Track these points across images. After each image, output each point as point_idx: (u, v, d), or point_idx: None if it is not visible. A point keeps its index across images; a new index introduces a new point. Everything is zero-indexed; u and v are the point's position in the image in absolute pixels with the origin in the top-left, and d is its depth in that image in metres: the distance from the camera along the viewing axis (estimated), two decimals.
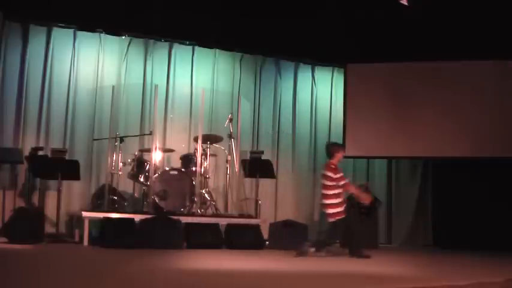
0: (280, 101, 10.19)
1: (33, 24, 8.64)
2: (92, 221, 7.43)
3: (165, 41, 9.43)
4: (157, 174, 7.92)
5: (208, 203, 8.38)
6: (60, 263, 5.57)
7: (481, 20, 8.87)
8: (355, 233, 7.12)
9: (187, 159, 8.42)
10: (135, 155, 8.26)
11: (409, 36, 9.25)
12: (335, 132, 10.31)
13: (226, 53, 9.86)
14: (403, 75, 9.79)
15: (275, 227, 8.15)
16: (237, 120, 8.68)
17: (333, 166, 7.01)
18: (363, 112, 9.79)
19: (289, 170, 10.06)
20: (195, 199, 8.05)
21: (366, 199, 7.53)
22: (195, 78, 9.55)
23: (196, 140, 8.34)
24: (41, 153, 7.98)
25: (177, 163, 8.64)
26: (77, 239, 7.77)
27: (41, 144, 8.35)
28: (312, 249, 6.85)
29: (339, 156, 7.11)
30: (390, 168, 10.56)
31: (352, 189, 7.30)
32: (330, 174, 6.99)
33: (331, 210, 7.00)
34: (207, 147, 8.50)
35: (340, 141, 9.98)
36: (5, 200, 8.04)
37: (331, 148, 7.17)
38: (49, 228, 7.75)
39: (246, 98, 9.62)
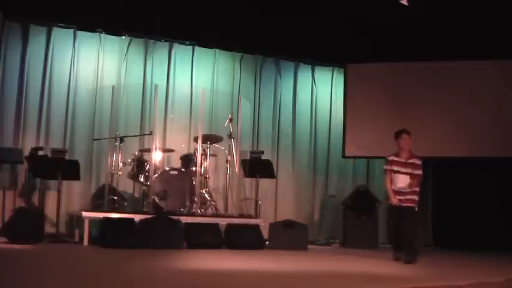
0: (280, 101, 10.18)
1: (33, 24, 8.63)
2: (92, 221, 7.43)
3: (165, 41, 9.43)
4: (157, 174, 7.92)
5: (208, 203, 8.38)
6: (60, 263, 5.57)
7: (481, 20, 8.88)
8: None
9: (187, 159, 8.42)
10: (135, 155, 8.26)
11: (409, 36, 9.26)
12: (335, 132, 10.30)
13: (226, 53, 9.85)
14: (403, 75, 9.79)
15: (275, 227, 8.15)
16: (237, 120, 8.68)
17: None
18: (362, 112, 9.79)
19: (289, 170, 10.05)
20: (195, 199, 8.05)
21: (393, 199, 6.87)
22: (195, 78, 9.55)
23: (196, 140, 8.34)
24: (41, 153, 7.98)
25: (177, 163, 8.64)
26: (77, 239, 7.77)
27: (41, 144, 8.34)
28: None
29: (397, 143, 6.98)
30: None
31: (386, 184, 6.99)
32: None
33: None
34: (207, 147, 8.50)
35: (340, 141, 10.02)
36: (5, 200, 8.04)
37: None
38: (49, 228, 7.75)
39: (246, 98, 9.62)
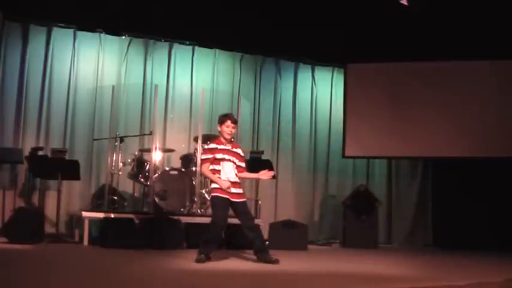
0: (280, 101, 10.19)
1: (33, 24, 8.64)
2: (92, 221, 7.44)
3: (165, 41, 9.43)
4: (157, 174, 7.92)
5: (208, 203, 8.38)
6: (60, 263, 5.57)
7: (481, 19, 8.87)
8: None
9: (187, 159, 8.42)
10: (135, 155, 8.26)
11: (409, 36, 9.25)
12: (335, 132, 10.30)
13: (226, 53, 9.86)
14: (403, 75, 9.79)
15: (275, 227, 8.15)
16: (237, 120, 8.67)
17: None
18: (362, 112, 9.79)
19: (289, 170, 10.05)
20: (195, 199, 8.05)
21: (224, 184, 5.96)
22: (195, 78, 9.55)
23: (196, 140, 8.34)
24: (41, 153, 7.98)
25: (177, 163, 8.64)
26: (77, 239, 7.77)
27: (41, 144, 8.35)
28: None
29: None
30: (390, 168, 10.57)
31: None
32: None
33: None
34: None
35: (340, 141, 10.01)
36: (5, 200, 8.04)
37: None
38: (49, 228, 7.75)
39: (246, 98, 9.62)
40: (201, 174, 6.10)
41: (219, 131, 6.16)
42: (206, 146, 6.15)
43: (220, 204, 5.94)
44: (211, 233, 5.95)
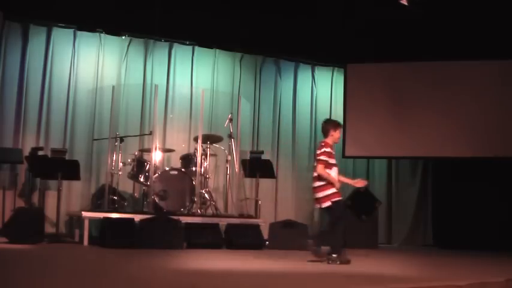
0: (280, 101, 10.19)
1: (33, 24, 8.64)
2: (92, 221, 7.44)
3: (165, 41, 9.43)
4: (157, 174, 7.92)
5: (208, 203, 8.39)
6: (60, 263, 5.57)
7: (481, 19, 8.88)
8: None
9: (187, 159, 8.43)
10: (135, 155, 8.27)
11: (409, 36, 9.26)
12: None
13: (226, 53, 9.86)
14: (403, 75, 9.80)
15: (275, 227, 8.15)
16: (237, 120, 8.69)
17: (323, 144, 6.20)
18: (363, 112, 9.79)
19: (289, 170, 10.05)
20: (195, 199, 8.05)
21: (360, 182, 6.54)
22: (195, 78, 9.56)
23: (196, 140, 8.34)
24: (41, 153, 7.98)
25: (177, 163, 8.64)
26: (77, 239, 7.78)
27: (41, 144, 8.35)
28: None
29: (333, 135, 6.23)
30: (390, 168, 10.57)
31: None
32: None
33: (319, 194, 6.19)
34: (207, 147, 8.50)
35: (340, 141, 9.99)
36: (5, 200, 8.04)
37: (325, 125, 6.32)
38: (49, 228, 7.75)
39: (246, 98, 9.62)
40: (319, 173, 6.09)
41: (330, 135, 6.20)
42: (326, 149, 6.10)
43: (343, 206, 6.38)
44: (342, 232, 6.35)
